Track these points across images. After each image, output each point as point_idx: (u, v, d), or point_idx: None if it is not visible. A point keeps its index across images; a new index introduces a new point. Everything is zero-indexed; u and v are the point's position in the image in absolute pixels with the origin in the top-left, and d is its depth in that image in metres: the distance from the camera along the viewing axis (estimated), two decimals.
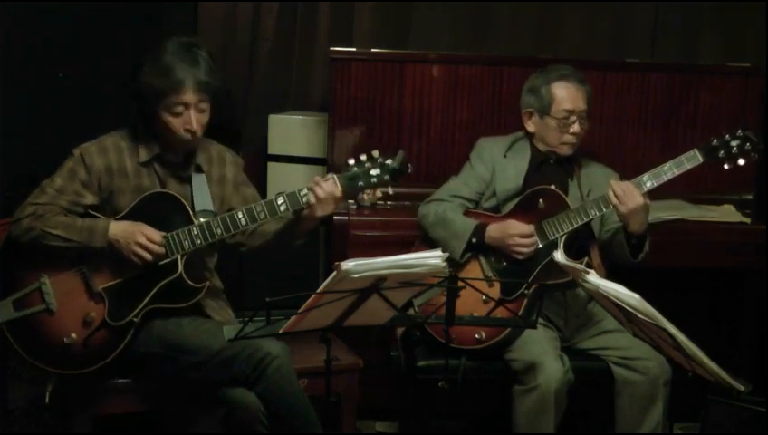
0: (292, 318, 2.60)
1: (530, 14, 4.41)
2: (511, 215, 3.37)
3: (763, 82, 4.01)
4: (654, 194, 3.25)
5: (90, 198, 3.00)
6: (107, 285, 2.97)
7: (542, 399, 3.16)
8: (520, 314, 3.23)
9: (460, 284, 2.77)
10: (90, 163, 2.99)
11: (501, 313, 3.14)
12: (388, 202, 3.76)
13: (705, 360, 2.51)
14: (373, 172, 2.91)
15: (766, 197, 4.02)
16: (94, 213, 3.00)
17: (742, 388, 2.54)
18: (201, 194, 3.06)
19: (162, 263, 2.94)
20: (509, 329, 3.22)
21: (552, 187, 3.36)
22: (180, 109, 2.95)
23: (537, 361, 3.17)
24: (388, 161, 2.91)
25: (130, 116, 3.07)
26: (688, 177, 3.27)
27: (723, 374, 2.52)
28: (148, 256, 2.92)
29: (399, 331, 3.49)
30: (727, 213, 3.91)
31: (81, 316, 2.96)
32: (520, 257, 3.29)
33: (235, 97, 4.35)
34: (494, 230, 3.31)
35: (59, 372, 2.99)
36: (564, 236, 3.27)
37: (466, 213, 3.44)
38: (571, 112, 3.37)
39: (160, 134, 3.01)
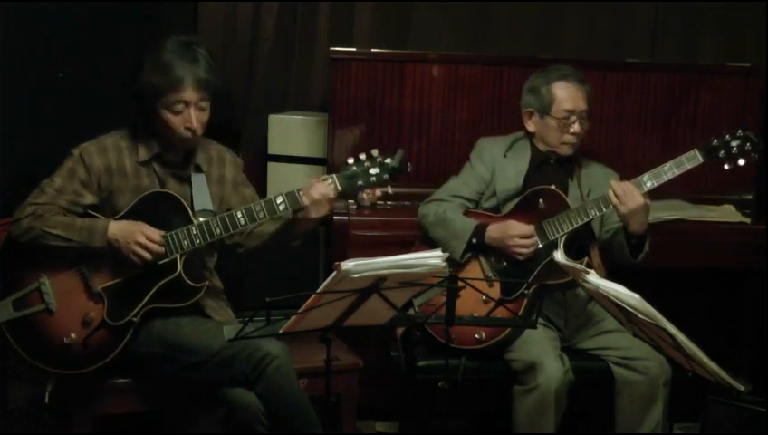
0: (292, 318, 2.60)
1: (530, 14, 4.41)
2: (511, 215, 3.37)
3: (763, 82, 4.01)
4: (654, 194, 3.24)
5: (89, 198, 3.00)
6: (106, 284, 2.97)
7: (542, 399, 3.16)
8: (520, 314, 3.23)
9: (460, 284, 2.77)
10: (89, 163, 2.99)
11: (501, 313, 3.14)
12: (388, 202, 3.76)
13: (705, 360, 2.51)
14: (372, 171, 2.91)
15: (766, 197, 4.01)
16: (93, 213, 3.00)
17: (742, 388, 2.54)
18: (200, 194, 3.05)
19: (161, 262, 2.94)
20: (509, 329, 3.22)
21: (552, 187, 3.36)
22: (180, 107, 2.95)
23: (537, 361, 3.17)
24: (388, 160, 2.91)
25: (130, 116, 3.07)
26: (688, 177, 3.27)
27: (723, 374, 2.52)
28: (147, 256, 2.91)
29: (399, 331, 3.49)
30: (727, 213, 3.91)
31: (80, 316, 2.96)
32: (520, 258, 3.28)
33: (235, 97, 4.34)
34: (494, 230, 3.31)
35: (59, 372, 2.99)
36: (564, 237, 3.27)
37: (466, 213, 3.44)
38: (571, 112, 3.36)
39: (160, 133, 3.01)
